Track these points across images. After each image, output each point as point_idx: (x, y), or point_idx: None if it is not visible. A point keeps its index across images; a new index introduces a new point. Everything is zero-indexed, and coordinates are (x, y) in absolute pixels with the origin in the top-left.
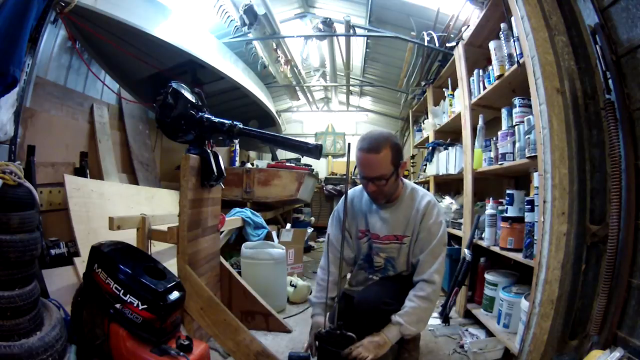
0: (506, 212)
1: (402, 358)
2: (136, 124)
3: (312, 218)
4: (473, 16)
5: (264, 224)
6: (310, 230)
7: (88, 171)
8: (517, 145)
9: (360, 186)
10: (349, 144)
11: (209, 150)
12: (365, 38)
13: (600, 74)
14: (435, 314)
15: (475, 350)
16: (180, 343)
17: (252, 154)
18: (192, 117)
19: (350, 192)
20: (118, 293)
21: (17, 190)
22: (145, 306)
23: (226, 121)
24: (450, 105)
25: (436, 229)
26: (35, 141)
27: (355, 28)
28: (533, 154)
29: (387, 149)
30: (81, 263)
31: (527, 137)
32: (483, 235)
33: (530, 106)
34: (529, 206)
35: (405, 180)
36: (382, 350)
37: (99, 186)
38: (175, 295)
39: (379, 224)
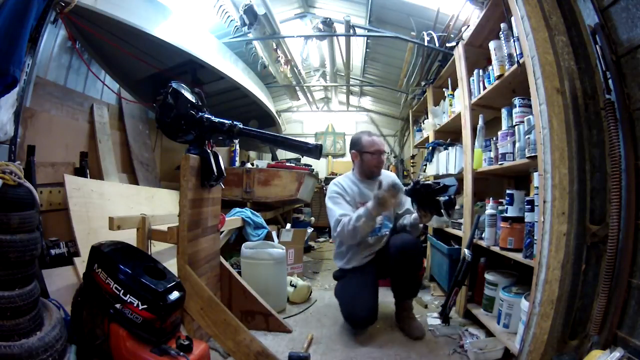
0: (506, 212)
1: (402, 316)
2: (136, 124)
3: (312, 218)
4: (473, 16)
5: (264, 224)
6: (310, 230)
7: (88, 171)
8: (517, 145)
9: (342, 176)
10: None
11: (209, 150)
12: (365, 38)
13: (600, 74)
14: (435, 314)
15: (475, 350)
16: (180, 343)
17: (252, 154)
18: (192, 117)
19: (339, 180)
20: (118, 293)
21: (17, 190)
22: (145, 306)
23: (226, 121)
24: (450, 105)
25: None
26: (35, 141)
27: (355, 28)
28: (533, 154)
29: None
30: (81, 263)
31: (527, 137)
32: (483, 235)
33: (530, 106)
34: (529, 206)
35: None
36: None
37: (99, 186)
38: (175, 295)
39: (371, 194)
